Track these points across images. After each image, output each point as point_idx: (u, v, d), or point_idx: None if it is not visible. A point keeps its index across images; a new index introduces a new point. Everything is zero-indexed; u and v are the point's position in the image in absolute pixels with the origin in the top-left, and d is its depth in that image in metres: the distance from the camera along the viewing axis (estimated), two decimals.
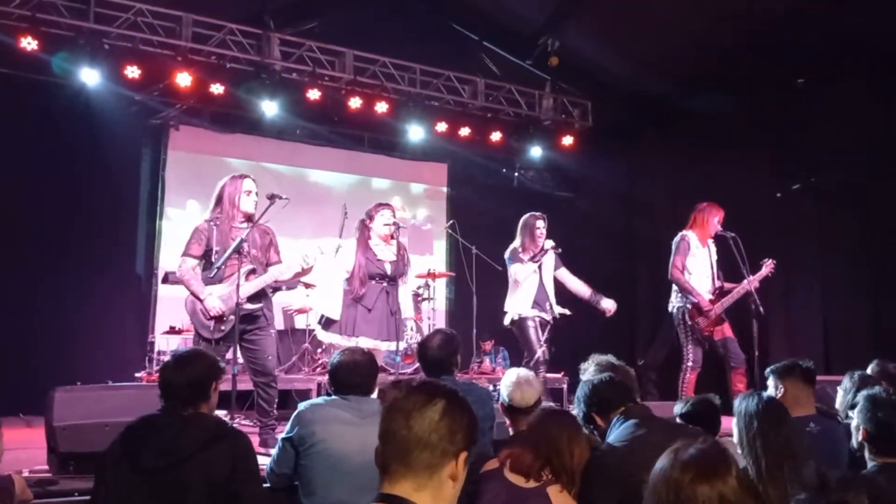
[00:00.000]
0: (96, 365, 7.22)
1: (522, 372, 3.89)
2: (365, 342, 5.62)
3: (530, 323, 6.63)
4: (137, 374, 7.07)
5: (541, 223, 6.74)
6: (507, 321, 6.77)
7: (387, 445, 1.66)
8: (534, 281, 6.70)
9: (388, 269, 5.86)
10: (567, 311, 6.86)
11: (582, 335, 7.15)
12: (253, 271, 5.14)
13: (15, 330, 7.14)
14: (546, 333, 6.67)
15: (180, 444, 2.66)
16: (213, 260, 5.14)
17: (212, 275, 5.10)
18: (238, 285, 4.97)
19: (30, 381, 6.50)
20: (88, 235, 7.79)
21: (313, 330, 7.77)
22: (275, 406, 5.22)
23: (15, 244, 7.35)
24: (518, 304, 6.67)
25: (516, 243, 6.77)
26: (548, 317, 6.70)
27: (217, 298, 5.03)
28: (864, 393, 3.05)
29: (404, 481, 1.62)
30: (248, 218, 5.25)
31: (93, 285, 7.73)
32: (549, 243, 6.68)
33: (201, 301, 5.03)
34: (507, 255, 6.82)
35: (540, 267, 6.71)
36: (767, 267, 6.42)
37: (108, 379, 6.16)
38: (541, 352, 6.54)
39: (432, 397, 1.67)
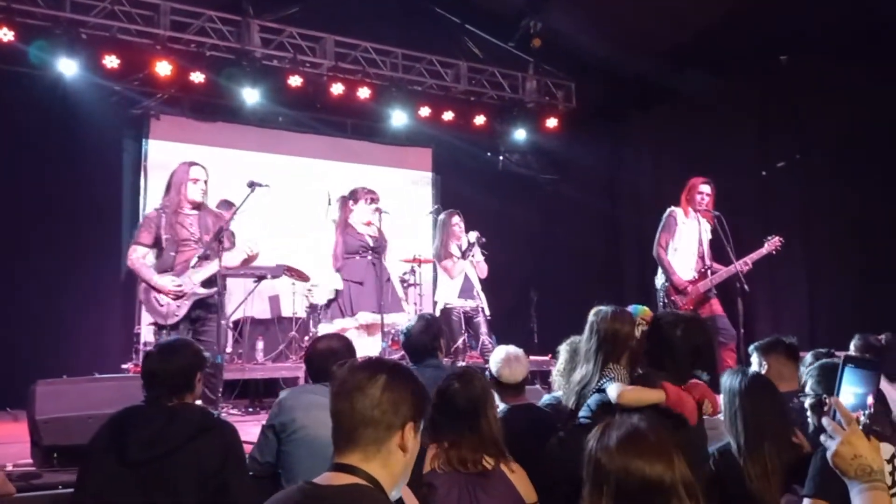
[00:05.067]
0: (83, 357, 7.19)
1: (511, 349, 3.93)
2: (364, 317, 5.65)
3: (454, 313, 7.04)
4: (124, 366, 7.05)
5: (456, 219, 7.16)
6: (437, 310, 7.15)
7: (335, 425, 1.74)
8: (461, 272, 7.08)
9: (370, 241, 5.88)
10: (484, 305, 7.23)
11: (569, 316, 7.15)
12: (206, 257, 5.12)
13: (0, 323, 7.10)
14: (480, 317, 7.06)
15: (167, 435, 2.64)
16: (163, 247, 5.13)
17: (165, 266, 5.10)
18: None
19: (16, 374, 6.45)
20: (72, 227, 7.73)
21: (300, 318, 7.78)
22: (218, 392, 5.16)
23: None
24: (446, 294, 7.06)
25: (438, 242, 7.19)
26: (474, 303, 7.09)
27: (167, 276, 5.04)
28: (816, 365, 3.07)
29: (352, 454, 1.70)
30: (196, 206, 5.23)
31: (77, 277, 7.68)
32: (474, 235, 7.04)
33: (153, 287, 5.04)
34: (433, 254, 7.27)
35: (465, 257, 7.09)
36: (771, 245, 6.40)
37: (95, 371, 6.13)
38: (461, 340, 7.00)
39: (374, 374, 1.73)
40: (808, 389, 2.96)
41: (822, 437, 1.76)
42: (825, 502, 2.52)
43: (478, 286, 7.11)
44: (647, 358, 3.24)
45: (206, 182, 5.27)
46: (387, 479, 1.71)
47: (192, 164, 5.32)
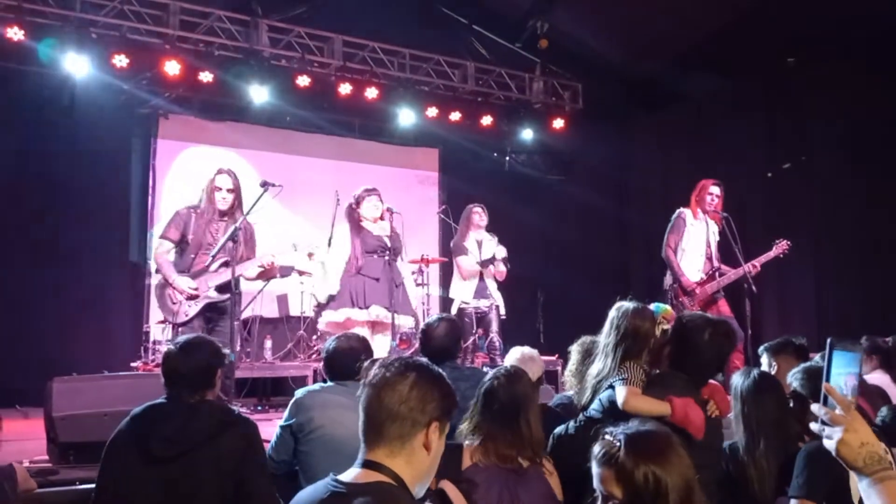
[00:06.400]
0: (92, 355, 7.22)
1: (527, 349, 3.94)
2: (377, 310, 5.67)
3: (467, 313, 7.11)
4: (133, 364, 7.07)
5: (477, 209, 7.29)
6: (453, 308, 7.22)
7: (364, 419, 1.77)
8: (472, 275, 7.14)
9: (387, 241, 5.91)
10: (500, 304, 7.30)
11: (576, 317, 7.19)
12: (226, 263, 5.17)
13: (9, 322, 7.13)
14: (493, 314, 7.10)
15: (189, 432, 2.66)
16: (185, 248, 5.21)
17: (183, 267, 5.20)
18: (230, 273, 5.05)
19: (25, 372, 6.51)
20: (81, 226, 7.76)
21: (308, 317, 7.80)
22: (230, 392, 5.22)
23: (6, 236, 7.33)
24: (461, 294, 7.14)
25: (457, 235, 7.27)
26: (488, 302, 7.14)
27: (186, 277, 5.13)
28: (800, 368, 3.09)
29: (378, 450, 1.74)
30: (221, 214, 5.28)
31: (86, 276, 7.71)
32: (502, 252, 7.17)
33: (170, 284, 5.11)
34: (452, 245, 7.34)
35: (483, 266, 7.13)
36: (779, 248, 6.44)
37: (104, 369, 6.15)
38: (472, 340, 7.03)
39: (404, 371, 1.78)
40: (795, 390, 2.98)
41: (816, 427, 1.61)
42: (812, 502, 2.55)
43: (493, 285, 7.14)
44: (670, 359, 3.23)
45: (230, 191, 5.30)
46: (411, 476, 1.74)
47: (219, 171, 5.37)
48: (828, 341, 1.63)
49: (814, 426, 1.62)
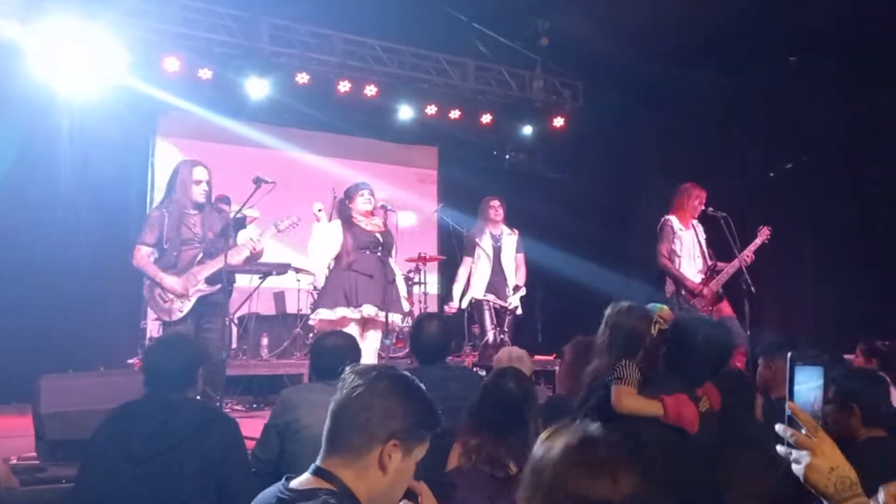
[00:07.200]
0: (88, 352, 7.19)
1: (515, 349, 3.92)
2: (369, 309, 5.61)
3: (485, 306, 7.01)
4: (129, 360, 7.07)
5: (495, 203, 7.25)
6: (465, 303, 7.17)
7: (328, 423, 1.71)
8: (488, 265, 7.04)
9: (379, 238, 5.84)
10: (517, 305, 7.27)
11: (574, 316, 7.17)
12: (211, 255, 5.16)
13: (5, 317, 7.11)
14: (508, 316, 7.07)
15: (171, 430, 2.65)
16: (164, 248, 5.19)
17: (167, 265, 5.17)
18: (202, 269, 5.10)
19: (20, 368, 6.47)
20: (78, 222, 7.73)
21: (305, 314, 7.77)
22: (219, 391, 5.24)
23: (4, 233, 7.31)
24: (475, 289, 7.05)
25: (473, 230, 7.26)
26: (504, 303, 7.04)
27: (173, 276, 5.12)
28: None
29: (332, 458, 1.65)
30: (200, 206, 5.26)
31: (83, 272, 7.68)
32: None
33: (159, 284, 5.12)
34: (465, 240, 7.32)
35: (499, 251, 7.05)
36: (762, 235, 6.41)
37: (101, 365, 6.14)
38: (491, 335, 6.92)
39: (375, 379, 1.69)
40: None
41: (782, 450, 1.49)
42: None
43: (511, 285, 7.10)
44: (665, 360, 3.19)
45: (208, 182, 5.31)
46: (365, 491, 1.63)
47: (194, 164, 5.33)
48: (788, 356, 1.52)
49: (780, 449, 1.50)
